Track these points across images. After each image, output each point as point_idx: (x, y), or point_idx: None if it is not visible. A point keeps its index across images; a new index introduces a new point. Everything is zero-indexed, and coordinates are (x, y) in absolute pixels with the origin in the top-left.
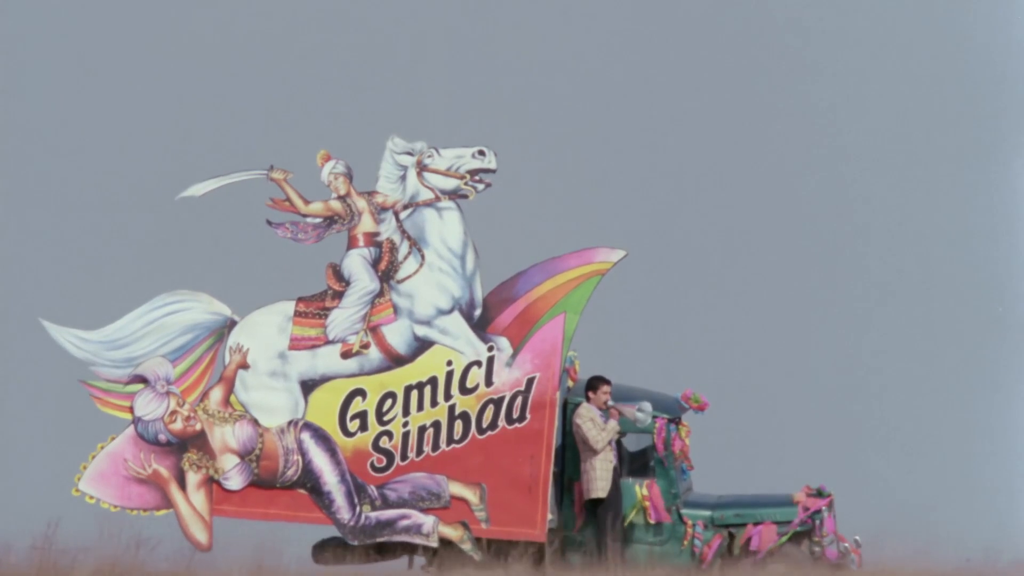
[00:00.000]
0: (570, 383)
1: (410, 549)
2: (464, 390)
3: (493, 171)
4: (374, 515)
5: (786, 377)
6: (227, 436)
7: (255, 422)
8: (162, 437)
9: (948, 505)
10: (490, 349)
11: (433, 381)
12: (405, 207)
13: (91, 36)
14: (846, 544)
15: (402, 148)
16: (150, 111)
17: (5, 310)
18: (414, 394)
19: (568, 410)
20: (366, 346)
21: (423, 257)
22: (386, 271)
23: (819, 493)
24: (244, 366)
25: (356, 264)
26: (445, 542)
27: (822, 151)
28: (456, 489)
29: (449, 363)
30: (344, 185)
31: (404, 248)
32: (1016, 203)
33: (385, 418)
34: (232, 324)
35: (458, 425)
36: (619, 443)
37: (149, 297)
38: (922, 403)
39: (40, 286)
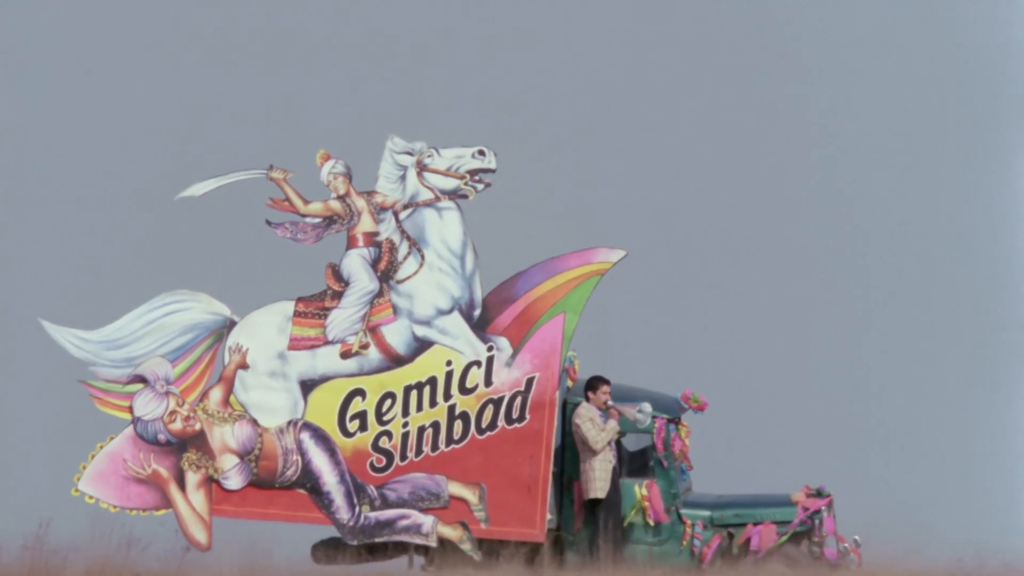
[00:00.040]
0: (569, 383)
1: (402, 549)
2: (464, 390)
3: (493, 171)
4: (373, 515)
5: (786, 377)
6: (226, 436)
7: (254, 422)
8: (161, 437)
9: (947, 505)
10: (489, 349)
11: (432, 381)
12: (405, 207)
13: (91, 36)
14: (845, 544)
15: (402, 148)
16: (150, 111)
17: (5, 310)
18: (413, 394)
19: (567, 410)
20: (365, 346)
21: (423, 257)
22: (386, 271)
23: (818, 493)
24: (243, 366)
25: (355, 264)
26: (444, 542)
27: (822, 151)
28: (455, 489)
29: (449, 363)
30: (343, 185)
31: (404, 248)
32: (1016, 203)
33: (384, 418)
34: (231, 324)
35: (457, 425)
36: (618, 443)
37: (148, 297)
38: (922, 403)
39: (40, 286)
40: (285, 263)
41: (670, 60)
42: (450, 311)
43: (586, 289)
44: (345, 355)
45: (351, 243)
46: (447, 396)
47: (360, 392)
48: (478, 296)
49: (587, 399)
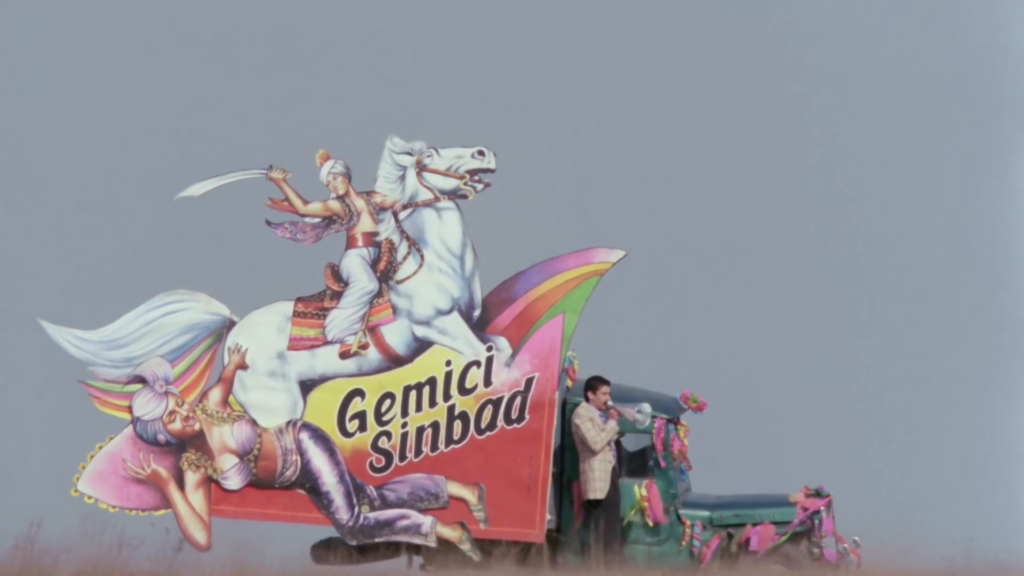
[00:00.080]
0: (569, 383)
1: (394, 549)
2: (463, 390)
3: (492, 171)
4: (372, 515)
5: (785, 377)
6: (226, 436)
7: (254, 422)
8: (161, 437)
9: (947, 505)
10: (489, 349)
11: (432, 381)
12: (404, 207)
13: (91, 36)
14: (845, 544)
15: (401, 148)
16: (150, 111)
17: (5, 310)
18: (413, 394)
19: (567, 410)
20: (364, 346)
21: (422, 257)
22: (385, 271)
23: (818, 493)
24: (243, 366)
25: (355, 264)
26: (443, 542)
27: (822, 151)
28: (455, 489)
29: (448, 363)
30: (343, 185)
31: (403, 248)
32: (1016, 203)
33: (384, 418)
34: (231, 324)
35: (457, 425)
36: (618, 443)
37: (148, 297)
38: (922, 403)
39: (40, 286)
40: (284, 263)
41: (670, 60)
42: (449, 311)
43: (586, 289)
44: (344, 355)
45: (350, 243)
46: (446, 396)
47: (359, 392)
48: (477, 296)
49: (587, 399)
